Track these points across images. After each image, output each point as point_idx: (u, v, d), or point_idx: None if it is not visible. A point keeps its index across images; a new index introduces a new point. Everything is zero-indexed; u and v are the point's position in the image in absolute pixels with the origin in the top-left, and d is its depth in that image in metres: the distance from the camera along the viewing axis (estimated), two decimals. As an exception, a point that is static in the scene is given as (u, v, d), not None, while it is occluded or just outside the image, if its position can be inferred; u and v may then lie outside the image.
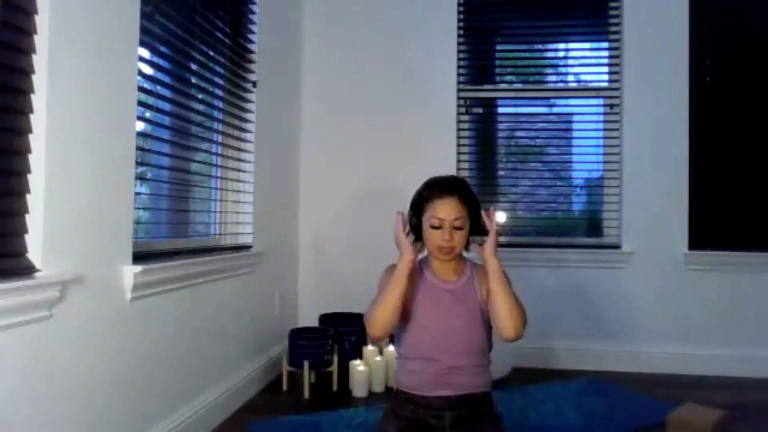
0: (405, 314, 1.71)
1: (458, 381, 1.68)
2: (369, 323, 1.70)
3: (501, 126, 3.81)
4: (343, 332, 3.10)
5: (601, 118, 3.61)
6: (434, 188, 1.74)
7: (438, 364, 1.68)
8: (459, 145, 3.60)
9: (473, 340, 1.72)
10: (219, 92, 2.74)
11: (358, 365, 2.92)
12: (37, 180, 1.54)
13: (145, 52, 2.11)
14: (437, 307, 1.71)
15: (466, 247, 1.76)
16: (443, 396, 1.68)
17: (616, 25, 3.54)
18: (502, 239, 3.58)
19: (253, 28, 3.01)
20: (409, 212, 1.77)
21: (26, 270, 1.51)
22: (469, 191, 1.76)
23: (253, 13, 3.01)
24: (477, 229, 1.76)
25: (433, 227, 1.70)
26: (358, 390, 2.87)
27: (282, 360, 3.01)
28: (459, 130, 3.60)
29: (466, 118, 3.66)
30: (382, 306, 1.67)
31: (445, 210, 1.69)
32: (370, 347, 3.06)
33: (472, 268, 1.79)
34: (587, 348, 3.43)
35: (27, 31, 1.52)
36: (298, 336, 2.96)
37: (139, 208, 2.15)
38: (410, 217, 1.77)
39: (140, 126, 2.07)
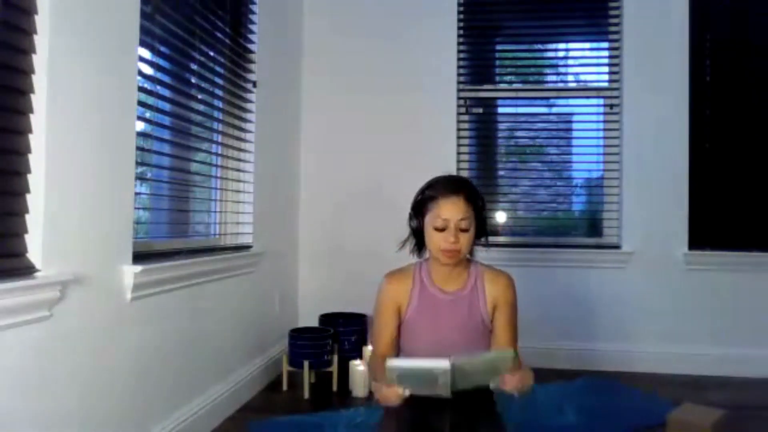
0: (401, 320, 1.68)
1: None
2: (370, 366, 1.73)
3: (501, 126, 3.81)
4: (343, 332, 3.10)
5: (601, 118, 3.61)
6: (438, 186, 1.64)
7: None
8: (459, 145, 3.60)
9: (472, 350, 1.65)
10: (219, 92, 2.74)
11: (358, 365, 2.92)
12: (37, 180, 1.54)
13: (145, 52, 2.11)
14: (434, 319, 1.66)
15: (471, 252, 1.68)
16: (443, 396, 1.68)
17: (616, 25, 3.54)
18: (502, 239, 3.59)
19: (253, 28, 3.01)
20: (409, 214, 1.70)
21: (26, 270, 1.51)
22: (475, 190, 1.67)
23: (253, 13, 3.01)
24: (482, 231, 1.67)
25: (437, 229, 1.60)
26: (358, 390, 2.87)
27: (282, 360, 3.01)
28: (459, 130, 3.60)
29: (466, 118, 3.66)
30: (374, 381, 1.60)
31: (449, 210, 1.59)
32: (370, 347, 3.06)
33: (477, 275, 1.70)
34: (587, 348, 3.43)
35: (27, 31, 1.52)
36: (298, 336, 2.96)
37: (139, 208, 2.15)
38: (410, 219, 1.69)
39: (140, 126, 2.07)
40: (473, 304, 1.67)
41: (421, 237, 1.67)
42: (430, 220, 1.63)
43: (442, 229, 1.60)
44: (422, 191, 1.68)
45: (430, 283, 1.69)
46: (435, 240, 1.62)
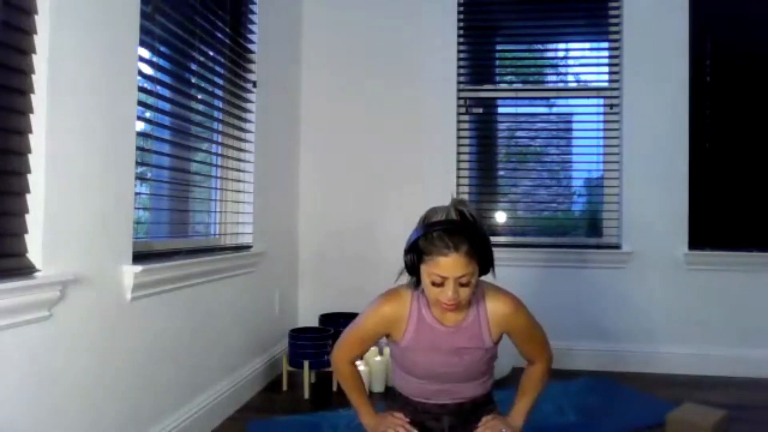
0: (396, 344, 1.63)
1: (457, 392, 1.66)
2: (333, 363, 1.73)
3: (501, 126, 3.81)
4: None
5: (601, 118, 3.61)
6: (433, 240, 1.42)
7: (434, 387, 1.65)
8: (459, 145, 3.60)
9: (473, 374, 1.64)
10: (219, 92, 2.74)
11: (358, 365, 2.91)
12: (37, 180, 1.54)
13: (145, 52, 2.11)
14: (431, 346, 1.57)
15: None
16: (441, 403, 1.67)
17: (616, 25, 3.54)
18: (502, 239, 3.59)
19: (253, 28, 3.01)
20: (404, 249, 1.51)
21: (26, 270, 1.51)
22: (477, 238, 1.44)
23: (253, 13, 3.01)
24: (488, 268, 1.50)
25: (434, 284, 1.45)
26: (358, 390, 2.87)
27: (282, 360, 3.01)
28: (459, 130, 3.60)
29: (466, 118, 3.66)
30: (341, 382, 1.74)
31: (447, 268, 1.41)
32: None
33: (479, 303, 1.58)
34: (587, 348, 3.43)
35: (27, 31, 1.52)
36: (298, 336, 2.96)
37: (139, 208, 2.15)
38: (405, 254, 1.51)
39: (140, 126, 2.07)
40: (474, 333, 1.57)
41: (418, 273, 1.51)
42: (425, 272, 1.46)
43: (439, 284, 1.45)
44: (417, 239, 1.47)
45: (428, 314, 1.57)
46: (432, 292, 1.47)
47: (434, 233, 1.43)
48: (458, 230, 1.42)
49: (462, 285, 1.44)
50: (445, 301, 1.45)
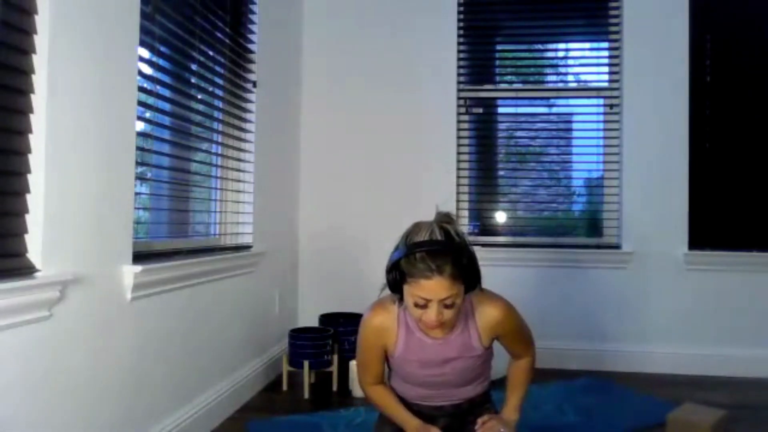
0: (388, 355, 1.63)
1: (453, 394, 1.67)
2: (363, 393, 1.72)
3: (501, 126, 3.81)
4: (343, 332, 3.10)
5: (601, 118, 3.61)
6: (414, 262, 1.37)
7: (430, 391, 1.66)
8: (459, 145, 3.60)
9: (468, 379, 1.64)
10: (219, 92, 2.74)
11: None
12: (37, 180, 1.54)
13: (145, 52, 2.11)
14: (424, 363, 1.57)
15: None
16: (438, 405, 1.67)
17: (616, 25, 3.54)
18: (502, 239, 3.59)
19: (253, 28, 3.01)
20: (386, 270, 1.47)
21: (26, 270, 1.50)
22: (461, 257, 1.39)
23: (253, 13, 3.01)
24: (475, 283, 1.46)
25: (417, 305, 1.40)
26: (358, 390, 2.87)
27: (282, 360, 3.01)
28: (459, 130, 3.60)
29: (466, 118, 3.66)
30: (379, 408, 1.70)
31: (430, 291, 1.36)
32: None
33: (467, 314, 1.55)
34: (587, 348, 3.43)
35: (27, 31, 1.52)
36: (298, 336, 2.95)
37: (139, 208, 2.15)
38: (387, 272, 1.46)
39: (140, 126, 2.07)
40: (464, 342, 1.55)
41: (401, 291, 1.46)
42: (408, 293, 1.42)
43: (423, 306, 1.40)
44: (398, 259, 1.42)
45: (415, 328, 1.54)
46: (416, 313, 1.43)
47: (417, 255, 1.37)
48: (442, 251, 1.37)
49: (446, 306, 1.40)
50: (428, 322, 1.42)
